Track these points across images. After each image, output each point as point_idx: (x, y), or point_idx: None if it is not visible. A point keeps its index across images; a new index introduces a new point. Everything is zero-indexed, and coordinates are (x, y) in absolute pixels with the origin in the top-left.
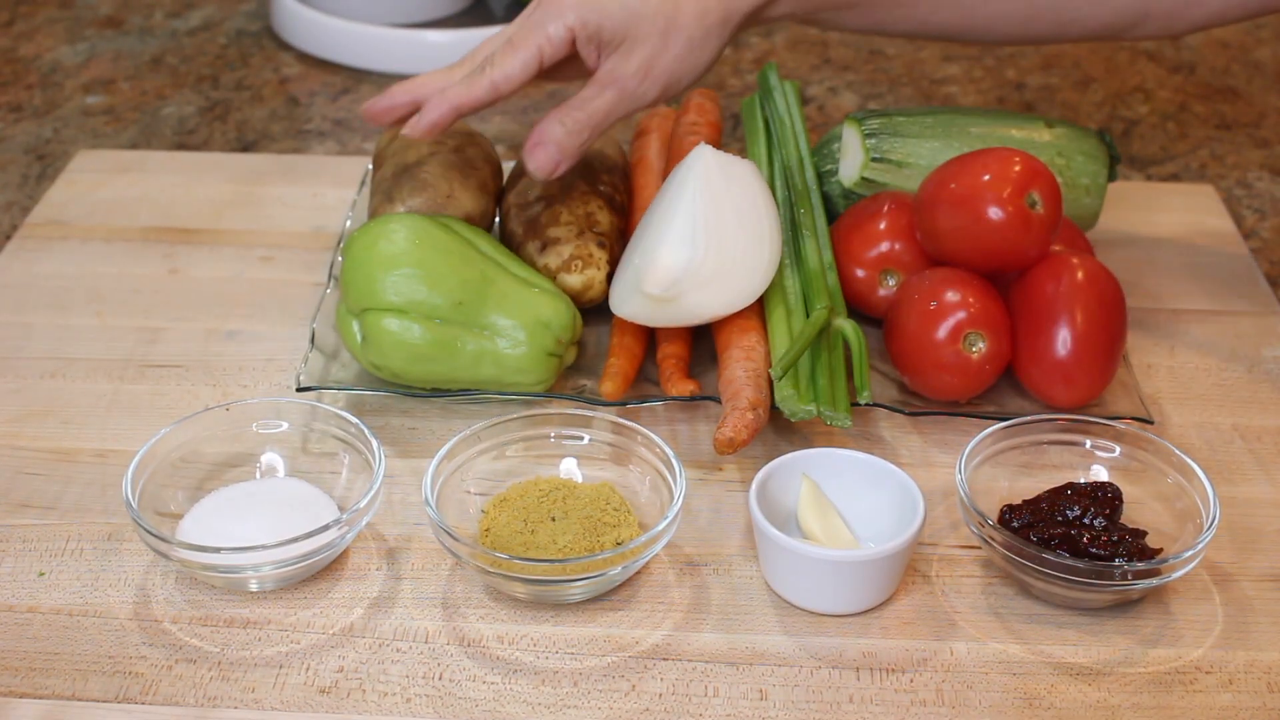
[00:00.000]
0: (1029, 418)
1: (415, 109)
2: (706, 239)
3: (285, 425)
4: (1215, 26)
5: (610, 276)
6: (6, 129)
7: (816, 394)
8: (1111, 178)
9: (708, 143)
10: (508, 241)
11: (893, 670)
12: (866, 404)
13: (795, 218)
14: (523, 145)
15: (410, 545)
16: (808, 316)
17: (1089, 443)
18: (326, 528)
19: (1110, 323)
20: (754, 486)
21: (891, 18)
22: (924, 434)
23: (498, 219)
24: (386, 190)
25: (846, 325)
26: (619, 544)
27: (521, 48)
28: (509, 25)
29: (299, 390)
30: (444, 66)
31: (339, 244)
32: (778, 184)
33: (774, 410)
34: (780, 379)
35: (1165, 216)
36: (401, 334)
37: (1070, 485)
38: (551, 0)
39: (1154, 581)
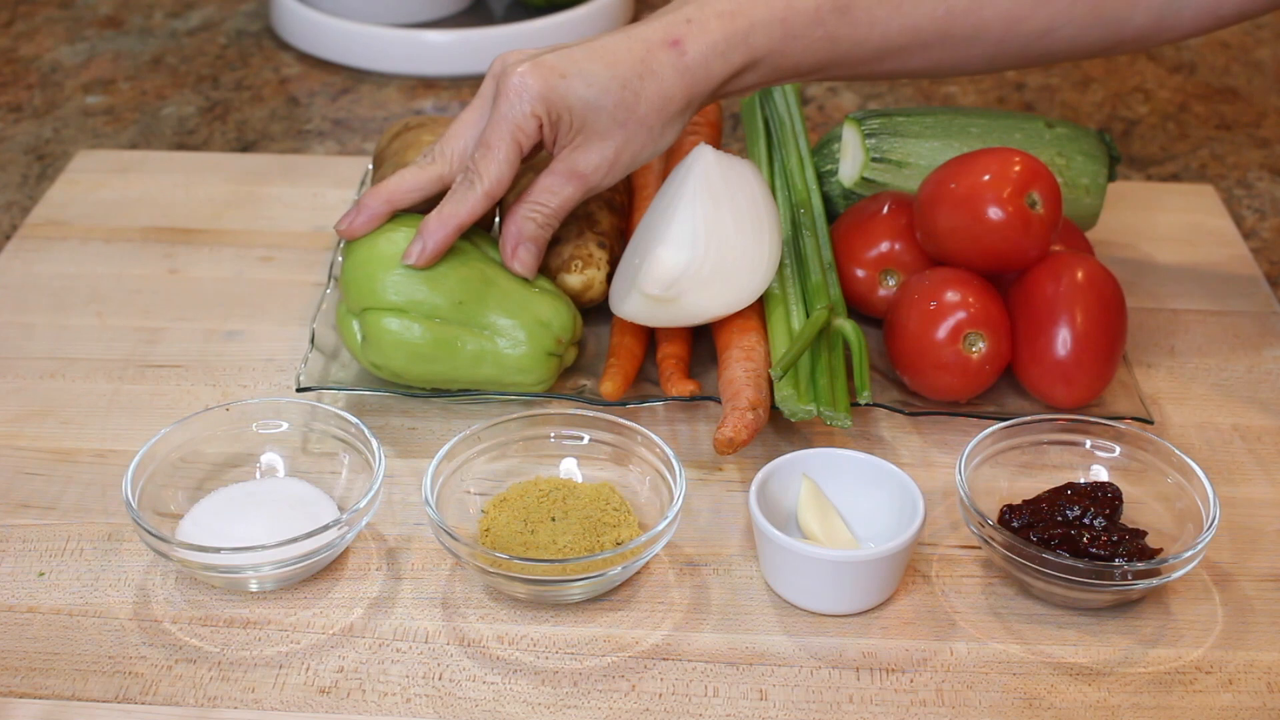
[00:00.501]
0: (1029, 418)
1: (392, 216)
2: (706, 239)
3: (285, 425)
4: (1195, 36)
5: (610, 276)
6: (6, 129)
7: (816, 394)
8: (1111, 178)
9: (708, 143)
10: None
11: (893, 670)
12: (866, 404)
13: (795, 218)
14: (500, 246)
15: (410, 545)
16: (808, 316)
17: (1089, 443)
18: (326, 528)
19: (1110, 323)
20: (754, 486)
21: (857, 74)
22: (924, 434)
23: (498, 219)
24: None
25: (846, 325)
26: (619, 544)
27: (498, 146)
28: (470, 109)
29: (299, 390)
30: (407, 167)
31: (339, 244)
32: (778, 184)
33: (774, 410)
34: (780, 379)
35: (1165, 216)
36: (402, 334)
37: (1070, 485)
38: (512, 90)
39: (1154, 581)
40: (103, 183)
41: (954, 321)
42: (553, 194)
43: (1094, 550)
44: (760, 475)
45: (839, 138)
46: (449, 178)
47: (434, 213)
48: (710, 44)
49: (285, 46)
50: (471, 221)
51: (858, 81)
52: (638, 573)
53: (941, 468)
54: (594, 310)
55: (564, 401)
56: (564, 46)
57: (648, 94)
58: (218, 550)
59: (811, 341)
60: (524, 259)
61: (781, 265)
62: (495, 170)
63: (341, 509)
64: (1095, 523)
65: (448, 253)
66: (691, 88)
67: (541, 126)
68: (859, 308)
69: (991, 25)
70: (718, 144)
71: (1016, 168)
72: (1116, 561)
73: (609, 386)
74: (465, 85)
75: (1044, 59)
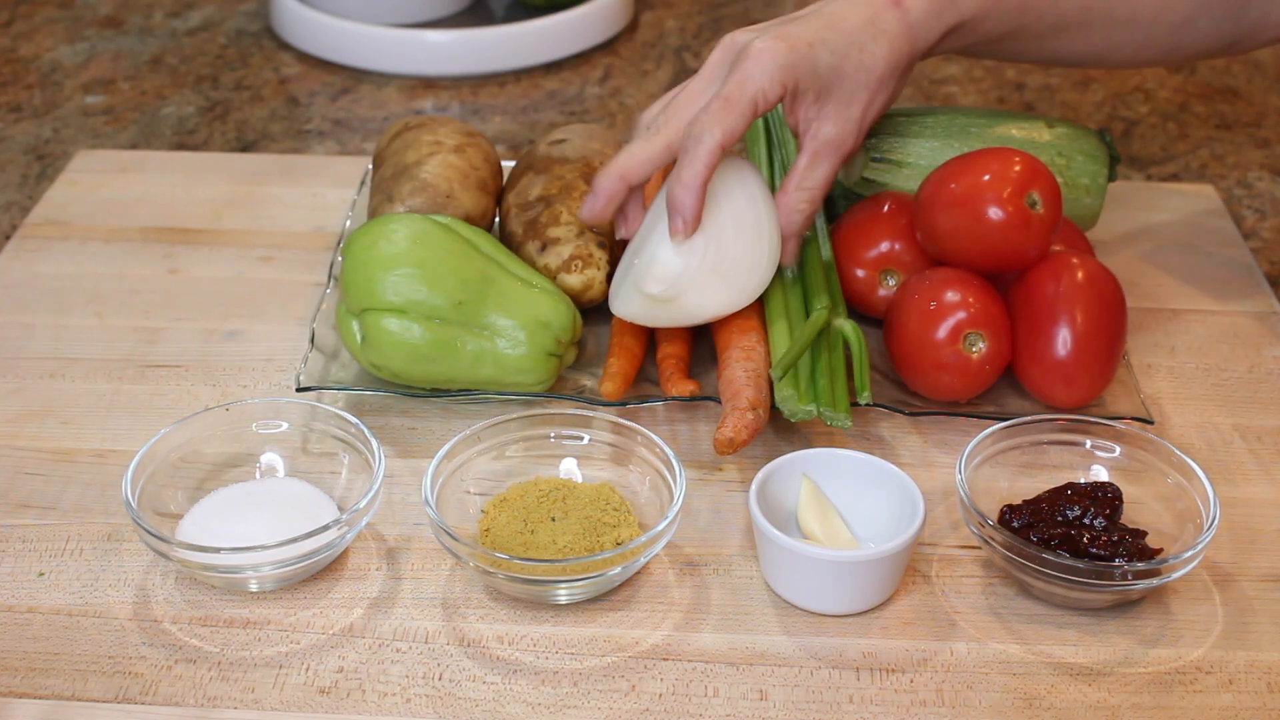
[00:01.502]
0: (1029, 418)
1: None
2: (705, 239)
3: (285, 425)
4: None
5: (610, 276)
6: (6, 129)
7: (816, 394)
8: (1111, 178)
9: None
10: (508, 241)
11: (893, 670)
12: (866, 404)
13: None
14: (785, 241)
15: (410, 545)
16: (808, 316)
17: (1089, 443)
18: (326, 528)
19: (1110, 323)
20: (754, 486)
21: (1029, 51)
22: (924, 434)
23: (498, 219)
24: (386, 190)
25: (846, 325)
26: (619, 544)
27: (739, 102)
28: (698, 80)
29: (299, 390)
30: (633, 141)
31: (339, 244)
32: (778, 184)
33: (774, 410)
34: (780, 379)
35: (1165, 216)
36: (401, 334)
37: (1070, 485)
38: (758, 58)
39: (1154, 581)
40: (103, 183)
41: (954, 321)
42: (812, 175)
43: (1094, 550)
44: (760, 475)
45: None
46: (677, 146)
47: (674, 182)
48: (928, 3)
49: (285, 46)
50: (711, 175)
51: (1022, 62)
52: (638, 573)
53: (941, 468)
54: (594, 310)
55: (564, 401)
56: (794, 19)
57: (881, 53)
58: (218, 550)
59: (811, 341)
60: (793, 251)
61: (781, 265)
62: (731, 123)
63: (341, 509)
64: (1095, 523)
65: (448, 253)
66: (914, 45)
67: (783, 96)
68: (859, 308)
69: (1143, 11)
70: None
71: (1016, 168)
72: (1116, 561)
73: (609, 386)
74: (465, 85)
75: (1179, 53)
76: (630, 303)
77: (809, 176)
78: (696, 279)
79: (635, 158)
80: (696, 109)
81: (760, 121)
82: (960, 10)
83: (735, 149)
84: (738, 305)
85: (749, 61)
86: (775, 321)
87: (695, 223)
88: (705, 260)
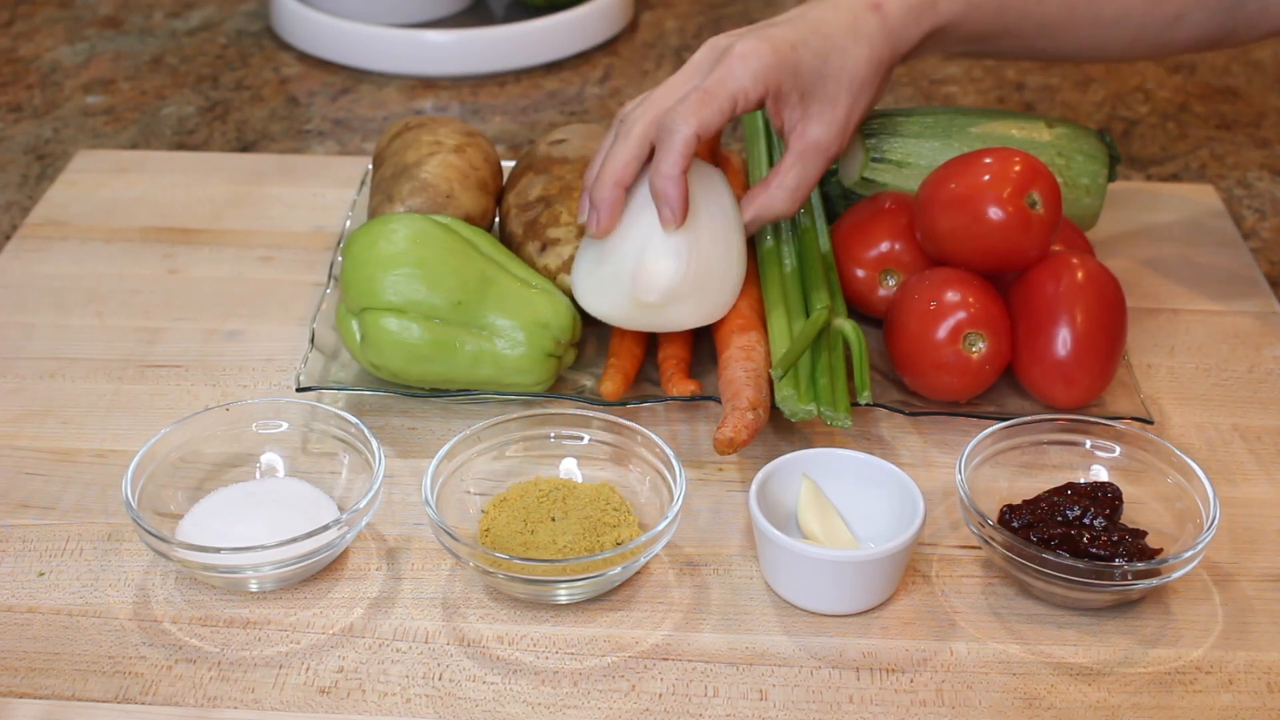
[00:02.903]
0: (1029, 418)
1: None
2: (688, 250)
3: (285, 425)
4: None
5: None
6: (6, 129)
7: (817, 394)
8: (1111, 178)
9: (709, 144)
10: (508, 242)
11: (893, 670)
12: (866, 404)
13: (795, 216)
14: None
15: (410, 545)
16: (808, 316)
17: (1089, 443)
18: (326, 528)
19: (1110, 323)
20: (754, 486)
21: (1014, 49)
22: (924, 434)
23: (498, 219)
24: (386, 190)
25: (846, 325)
26: (619, 544)
27: (719, 95)
28: (678, 76)
29: (299, 390)
30: (612, 144)
31: (339, 244)
32: None
33: (774, 410)
34: (780, 379)
35: (1165, 216)
36: (400, 334)
37: (1070, 485)
38: (741, 57)
39: (1154, 581)
40: (103, 183)
41: (954, 321)
42: (795, 174)
43: (1094, 550)
44: (760, 475)
45: None
46: (654, 137)
47: (654, 174)
48: (906, 7)
49: (285, 46)
50: (689, 164)
51: (1013, 60)
52: (638, 573)
53: (941, 468)
54: None
55: (564, 401)
56: (776, 22)
57: (862, 56)
58: (218, 550)
59: (811, 341)
60: (753, 230)
61: (782, 265)
62: (707, 116)
63: (341, 509)
64: (1095, 523)
65: (447, 253)
66: (894, 48)
67: (764, 99)
68: (859, 308)
69: (1133, 9)
70: (717, 144)
71: (1016, 168)
72: (1116, 561)
73: (609, 386)
74: (465, 85)
75: (1172, 46)
76: (612, 304)
77: (790, 176)
78: (682, 290)
79: (620, 160)
80: (674, 102)
81: (760, 121)
82: (938, 15)
83: (735, 148)
84: (710, 318)
85: (732, 60)
86: (775, 321)
87: (683, 211)
88: (689, 271)
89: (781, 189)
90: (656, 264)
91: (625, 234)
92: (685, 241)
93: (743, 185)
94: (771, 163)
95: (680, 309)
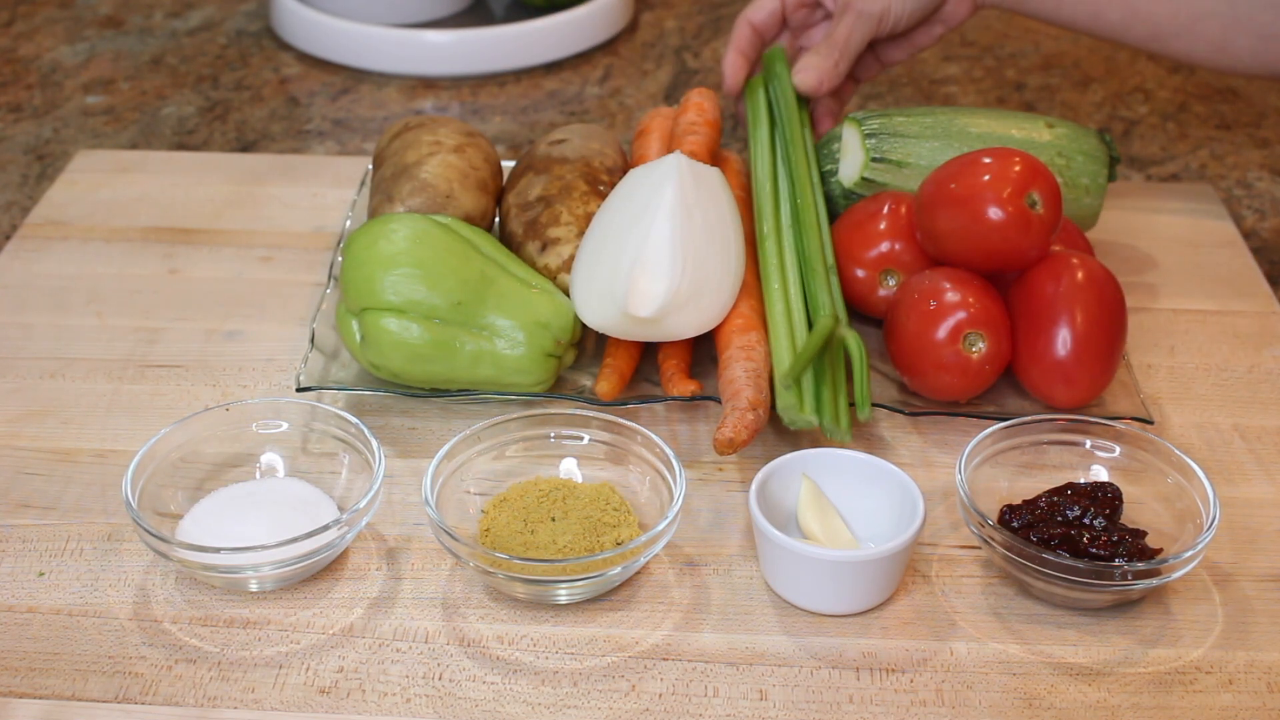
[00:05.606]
0: (1029, 418)
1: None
2: (683, 261)
3: (285, 425)
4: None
5: None
6: (6, 129)
7: (819, 407)
8: (1111, 178)
9: (708, 143)
10: (508, 241)
11: (893, 670)
12: (865, 421)
13: (795, 207)
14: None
15: (410, 545)
16: (808, 316)
17: (1089, 443)
18: (326, 528)
19: (1110, 323)
20: (754, 486)
21: (1077, 13)
22: (924, 434)
23: (498, 219)
24: (386, 190)
25: (849, 337)
26: (619, 544)
27: None
28: None
29: (299, 390)
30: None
31: (339, 244)
32: (780, 171)
33: (774, 410)
34: (789, 389)
35: (1165, 216)
36: (400, 334)
37: (1070, 485)
38: None
39: (1154, 581)
40: (103, 183)
41: (954, 321)
42: (844, 34)
43: (1094, 550)
44: (760, 475)
45: (839, 138)
46: None
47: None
48: None
49: (285, 46)
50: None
51: (1072, 31)
52: (638, 573)
53: (941, 468)
54: None
55: (564, 401)
56: None
57: None
58: (218, 550)
59: (819, 350)
60: (802, 79)
61: (782, 264)
62: None
63: (341, 509)
64: (1095, 523)
65: (447, 253)
66: None
67: None
68: (859, 308)
69: (1177, 40)
70: (717, 144)
71: (1016, 168)
72: (1116, 561)
73: (604, 386)
74: (465, 85)
75: (1237, 71)
76: (608, 316)
77: (840, 35)
78: (676, 302)
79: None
80: None
81: (763, 103)
82: None
83: (735, 148)
84: (708, 326)
85: None
86: (775, 321)
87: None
88: (684, 283)
89: (831, 48)
90: (649, 279)
91: (619, 247)
92: (680, 253)
93: (743, 185)
94: (774, 144)
95: (677, 319)
